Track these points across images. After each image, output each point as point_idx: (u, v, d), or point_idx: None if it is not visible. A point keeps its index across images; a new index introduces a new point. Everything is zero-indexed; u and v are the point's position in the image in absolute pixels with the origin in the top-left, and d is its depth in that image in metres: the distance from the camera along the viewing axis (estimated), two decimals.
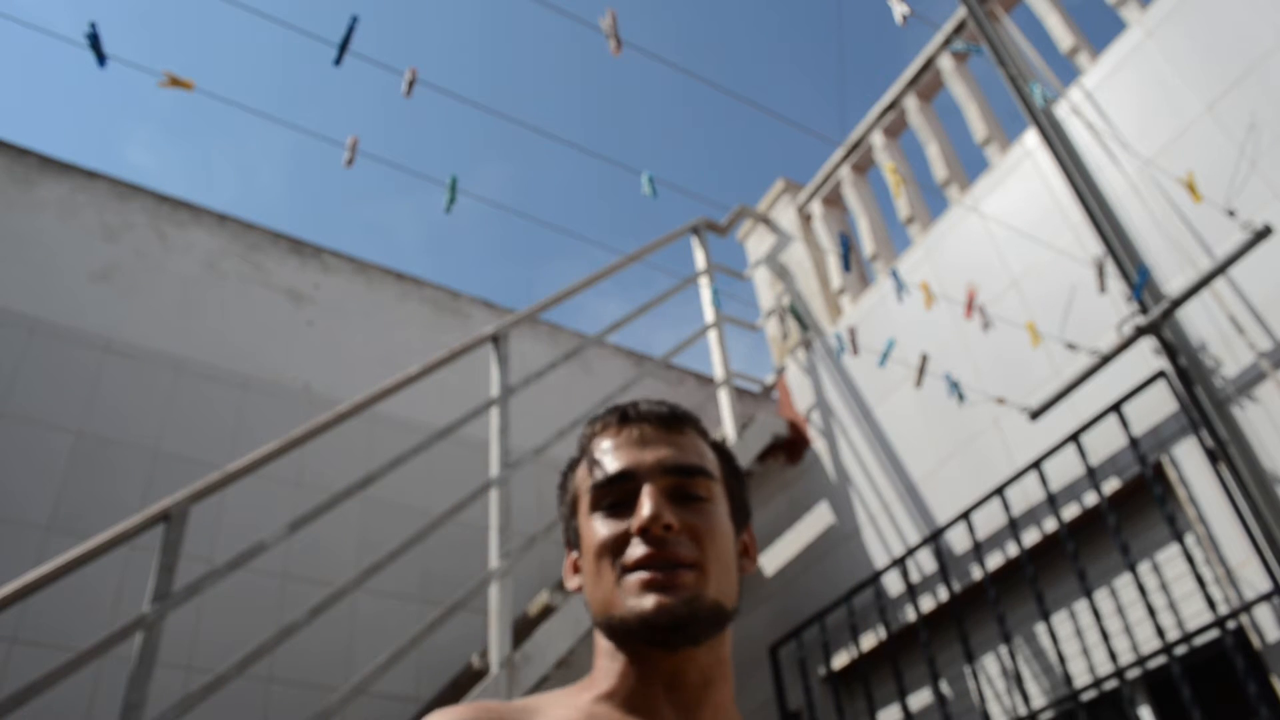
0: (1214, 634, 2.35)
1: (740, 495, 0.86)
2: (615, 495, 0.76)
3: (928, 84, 3.93)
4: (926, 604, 3.15)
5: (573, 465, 0.86)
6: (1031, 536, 2.87)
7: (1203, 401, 2.47)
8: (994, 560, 2.97)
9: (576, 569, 0.83)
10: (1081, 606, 2.74)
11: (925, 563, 3.21)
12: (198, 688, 2.19)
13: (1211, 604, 2.29)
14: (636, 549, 0.71)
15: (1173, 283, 2.71)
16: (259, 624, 3.27)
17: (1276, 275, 2.47)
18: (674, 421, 0.82)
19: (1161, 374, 2.60)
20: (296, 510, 3.37)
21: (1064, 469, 2.85)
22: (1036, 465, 2.82)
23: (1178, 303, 2.55)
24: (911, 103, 3.96)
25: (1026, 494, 2.94)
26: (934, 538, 3.09)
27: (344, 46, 1.96)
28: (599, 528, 0.75)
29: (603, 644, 0.76)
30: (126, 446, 3.49)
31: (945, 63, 3.80)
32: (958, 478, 3.21)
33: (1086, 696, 2.61)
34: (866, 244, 4.05)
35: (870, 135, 4.14)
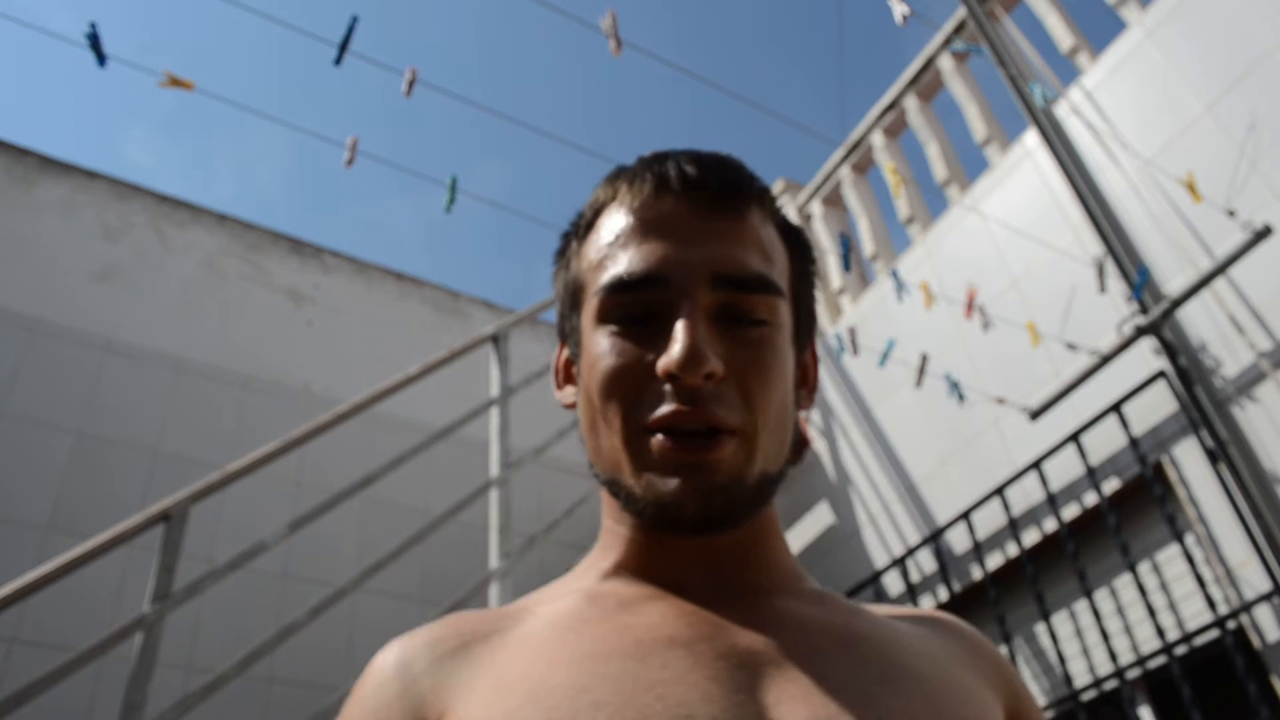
0: (1214, 634, 2.35)
1: (808, 302, 0.63)
2: (635, 307, 0.54)
3: (928, 84, 3.93)
4: (926, 604, 3.15)
5: (576, 231, 0.61)
6: (1031, 536, 2.87)
7: (1203, 401, 2.47)
8: (994, 560, 2.97)
9: (570, 377, 0.62)
10: (1081, 606, 2.74)
11: (925, 563, 3.21)
12: (198, 688, 2.19)
13: (1211, 604, 2.29)
14: (661, 400, 0.51)
15: (1173, 283, 2.71)
16: (259, 624, 3.27)
17: (1276, 275, 2.47)
18: (735, 197, 0.57)
19: (1161, 374, 2.60)
20: (296, 510, 3.37)
21: (1064, 469, 2.84)
22: (1036, 465, 2.82)
23: (1178, 303, 2.55)
24: (911, 103, 3.95)
25: (1026, 494, 2.94)
26: (934, 538, 3.09)
27: (344, 46, 1.96)
28: (608, 350, 0.54)
29: (608, 500, 0.59)
30: (126, 446, 3.49)
31: (945, 63, 3.80)
32: (958, 478, 3.21)
33: (1086, 696, 2.61)
34: (866, 244, 4.05)
35: (870, 135, 4.14)
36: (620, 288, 0.54)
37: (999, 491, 2.91)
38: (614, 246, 0.56)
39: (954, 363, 3.33)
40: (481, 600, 3.48)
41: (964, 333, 3.34)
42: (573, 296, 0.60)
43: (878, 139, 4.10)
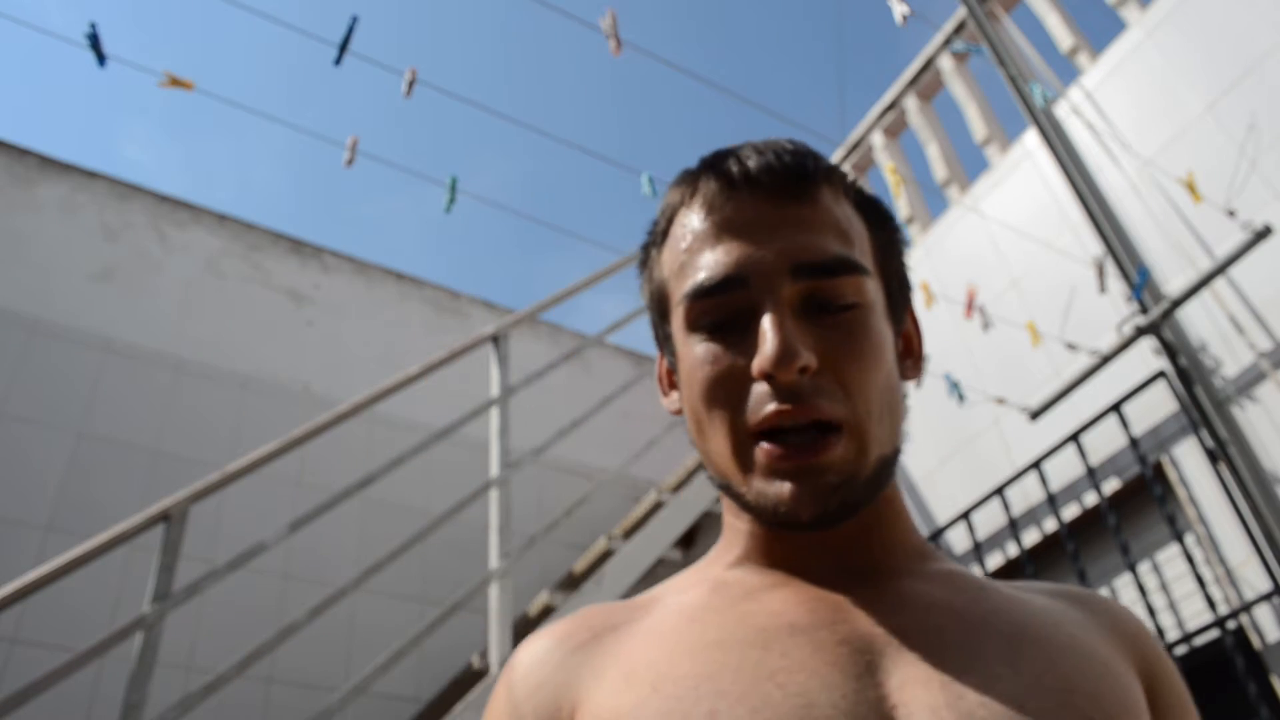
0: (1214, 634, 2.35)
1: (898, 270, 0.61)
2: (721, 311, 0.54)
3: (928, 84, 3.93)
4: None
5: (654, 239, 0.62)
6: (1031, 536, 2.87)
7: (1203, 401, 2.47)
8: (994, 560, 2.97)
9: (673, 384, 0.62)
10: None
11: None
12: (198, 688, 2.19)
13: (1211, 604, 2.29)
14: (762, 402, 0.51)
15: (1173, 283, 2.71)
16: (259, 624, 3.27)
17: (1276, 275, 2.47)
18: (803, 182, 0.56)
19: (1161, 374, 2.60)
20: (296, 510, 3.36)
21: (1064, 469, 2.84)
22: (1036, 465, 2.82)
23: (1178, 303, 2.55)
24: (911, 103, 3.95)
25: (1026, 494, 2.94)
26: (934, 538, 3.09)
27: (344, 46, 1.96)
28: (702, 359, 0.54)
29: (725, 498, 0.59)
30: (126, 446, 3.49)
31: (945, 63, 3.80)
32: (958, 478, 3.21)
33: None
34: None
35: (870, 135, 4.14)
36: (702, 293, 0.54)
37: (999, 491, 2.91)
38: (690, 252, 0.56)
39: (954, 363, 3.33)
40: (481, 600, 3.48)
41: (964, 333, 3.34)
42: (660, 305, 0.60)
43: (878, 139, 4.10)
